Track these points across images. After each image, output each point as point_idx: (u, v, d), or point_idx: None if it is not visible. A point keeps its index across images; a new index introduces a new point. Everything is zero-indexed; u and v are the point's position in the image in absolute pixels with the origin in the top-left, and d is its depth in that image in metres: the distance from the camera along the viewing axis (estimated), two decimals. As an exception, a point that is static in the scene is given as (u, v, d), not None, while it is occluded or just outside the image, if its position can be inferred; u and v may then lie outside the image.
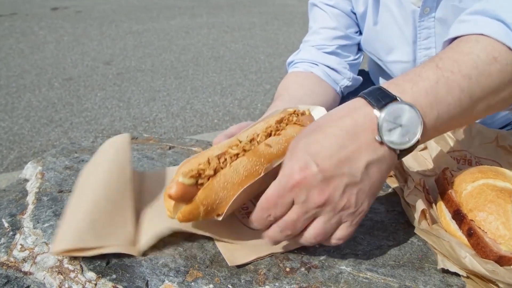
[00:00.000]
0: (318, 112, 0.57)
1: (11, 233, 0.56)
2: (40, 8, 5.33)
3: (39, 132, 2.08)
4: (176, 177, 0.41)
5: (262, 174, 0.43)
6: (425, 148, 0.62)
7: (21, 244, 0.51)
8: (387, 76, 0.88)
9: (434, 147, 0.60)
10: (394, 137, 0.38)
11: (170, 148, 0.77)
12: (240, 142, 0.44)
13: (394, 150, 0.38)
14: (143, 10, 5.30)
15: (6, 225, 0.57)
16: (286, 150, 0.42)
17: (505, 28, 0.40)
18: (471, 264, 0.39)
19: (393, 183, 0.58)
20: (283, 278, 0.42)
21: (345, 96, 0.85)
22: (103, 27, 4.34)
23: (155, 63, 3.20)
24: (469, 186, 0.47)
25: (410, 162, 0.59)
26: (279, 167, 0.41)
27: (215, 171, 0.41)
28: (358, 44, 0.86)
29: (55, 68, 3.03)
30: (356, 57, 0.86)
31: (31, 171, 0.69)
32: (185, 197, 0.40)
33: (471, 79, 0.40)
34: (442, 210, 0.49)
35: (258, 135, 0.46)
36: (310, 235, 0.39)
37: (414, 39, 0.73)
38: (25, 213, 0.58)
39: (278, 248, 0.45)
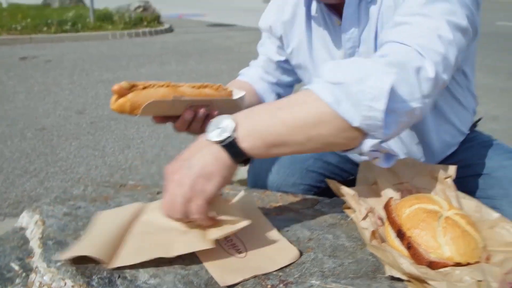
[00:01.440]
0: (239, 93, 0.83)
1: (24, 274, 0.64)
2: (8, 57, 5.37)
3: (14, 183, 2.10)
4: None
5: (172, 98, 0.70)
6: (375, 183, 0.75)
7: (39, 281, 0.59)
8: None
9: (383, 181, 0.74)
10: (212, 135, 0.58)
11: (158, 193, 0.88)
12: (169, 83, 0.73)
13: (215, 142, 0.58)
14: (112, 59, 5.44)
15: (16, 268, 0.66)
16: (197, 95, 0.74)
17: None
18: (408, 269, 0.52)
19: (351, 213, 0.71)
20: (266, 294, 0.52)
21: None
22: (74, 76, 4.43)
23: (127, 111, 3.29)
24: (407, 210, 0.60)
25: (366, 193, 0.73)
26: (186, 101, 0.73)
27: (144, 88, 0.70)
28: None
29: (27, 118, 3.07)
30: (291, 83, 1.09)
31: (27, 220, 0.77)
32: (121, 93, 0.68)
33: (284, 110, 0.60)
34: (388, 231, 0.62)
35: (184, 84, 0.75)
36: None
37: None
38: (33, 256, 0.66)
39: (259, 270, 0.56)
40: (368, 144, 0.59)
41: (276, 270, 0.56)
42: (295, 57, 0.98)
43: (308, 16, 0.92)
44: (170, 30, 8.34)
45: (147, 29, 7.80)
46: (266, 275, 0.56)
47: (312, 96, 0.58)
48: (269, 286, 0.53)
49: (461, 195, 0.71)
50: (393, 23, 0.68)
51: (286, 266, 0.57)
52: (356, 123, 0.56)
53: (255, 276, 0.55)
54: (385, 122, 0.55)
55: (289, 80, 1.07)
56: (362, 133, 0.58)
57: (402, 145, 0.93)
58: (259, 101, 1.03)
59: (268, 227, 0.67)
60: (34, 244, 0.69)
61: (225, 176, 0.58)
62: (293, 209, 0.78)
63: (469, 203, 0.70)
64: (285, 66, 1.04)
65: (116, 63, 5.16)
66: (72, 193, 0.87)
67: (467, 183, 0.87)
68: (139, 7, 8.73)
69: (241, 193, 0.74)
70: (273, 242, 0.63)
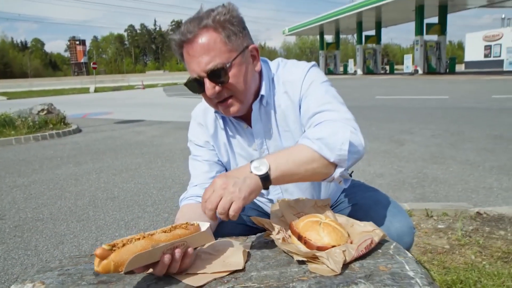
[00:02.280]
0: (204, 225, 0.97)
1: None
2: None
3: None
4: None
5: (150, 248, 0.80)
6: (282, 215, 1.19)
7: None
8: None
9: (287, 213, 1.18)
10: (256, 171, 0.96)
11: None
12: (144, 234, 0.85)
13: (258, 175, 0.96)
14: (22, 164, 5.38)
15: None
16: (171, 238, 0.85)
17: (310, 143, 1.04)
18: (306, 252, 0.94)
19: (269, 237, 1.12)
20: None
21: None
22: (-16, 185, 4.33)
23: (52, 211, 3.38)
24: (301, 223, 1.04)
25: (277, 222, 1.15)
26: (164, 247, 0.82)
27: (124, 245, 0.79)
28: None
29: None
30: None
31: None
32: (103, 255, 0.77)
33: (291, 155, 1.03)
34: (292, 238, 1.04)
35: (156, 232, 0.87)
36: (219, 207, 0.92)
37: None
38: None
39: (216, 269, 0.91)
40: (338, 171, 1.04)
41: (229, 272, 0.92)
42: (223, 156, 1.36)
43: (226, 127, 1.30)
44: (78, 130, 8.43)
45: (54, 131, 7.81)
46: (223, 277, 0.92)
47: (305, 147, 1.03)
48: (225, 281, 0.90)
49: (336, 214, 1.18)
50: (312, 113, 1.14)
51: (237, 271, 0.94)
52: (332, 159, 1.02)
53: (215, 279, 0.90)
54: (348, 157, 1.02)
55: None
56: (334, 166, 1.03)
57: (306, 191, 1.38)
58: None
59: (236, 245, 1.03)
60: None
61: (256, 195, 0.97)
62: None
63: (341, 218, 1.16)
64: (219, 163, 1.39)
65: (28, 167, 5.13)
66: (50, 266, 1.02)
67: (346, 210, 1.36)
68: (42, 110, 8.71)
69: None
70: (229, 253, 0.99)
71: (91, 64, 32.78)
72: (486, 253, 2.02)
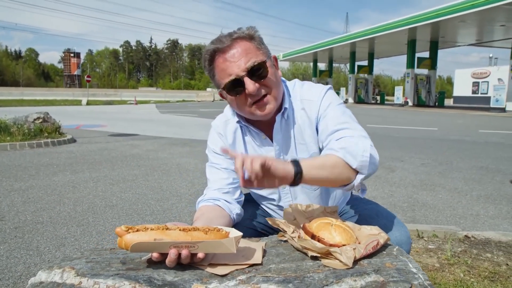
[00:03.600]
0: (234, 232, 1.00)
1: None
2: None
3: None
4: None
5: (153, 240, 0.90)
6: (295, 219, 1.30)
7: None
8: (264, 198, 1.55)
9: (299, 217, 1.29)
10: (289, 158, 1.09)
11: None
12: (160, 226, 0.94)
13: (289, 161, 1.07)
14: (19, 169, 5.40)
15: None
16: (183, 237, 0.91)
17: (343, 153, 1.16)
18: (321, 247, 1.05)
19: (282, 238, 1.23)
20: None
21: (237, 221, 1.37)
22: (-20, 187, 4.34)
23: (52, 215, 3.42)
24: (314, 224, 1.16)
25: (291, 223, 1.26)
26: (167, 243, 0.90)
27: (137, 230, 0.91)
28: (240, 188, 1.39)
29: None
30: (241, 196, 1.40)
31: (46, 276, 0.95)
32: (120, 234, 0.91)
33: (320, 160, 1.16)
34: (306, 237, 1.16)
35: (174, 228, 0.94)
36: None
37: None
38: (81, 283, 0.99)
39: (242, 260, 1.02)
40: (359, 178, 1.16)
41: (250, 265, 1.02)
42: None
43: (244, 137, 1.40)
44: (72, 140, 8.45)
45: (49, 140, 7.82)
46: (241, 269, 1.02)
47: (331, 155, 1.15)
48: (246, 271, 1.01)
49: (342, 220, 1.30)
50: (332, 130, 1.26)
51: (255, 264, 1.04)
52: (354, 165, 1.14)
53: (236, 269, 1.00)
54: (368, 165, 1.14)
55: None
56: (356, 172, 1.16)
57: (315, 200, 1.49)
58: (229, 217, 1.31)
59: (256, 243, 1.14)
60: (72, 279, 0.92)
61: (281, 170, 1.03)
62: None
63: (349, 223, 1.28)
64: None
65: (25, 173, 5.15)
66: (73, 256, 1.07)
67: (350, 220, 1.47)
68: (38, 118, 8.74)
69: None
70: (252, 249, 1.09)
71: (85, 77, 32.84)
72: (474, 273, 2.14)
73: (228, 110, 1.46)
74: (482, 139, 9.49)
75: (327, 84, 1.55)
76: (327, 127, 1.30)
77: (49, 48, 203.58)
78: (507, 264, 2.25)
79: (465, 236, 2.71)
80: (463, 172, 5.49)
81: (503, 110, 22.08)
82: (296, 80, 1.47)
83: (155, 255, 0.94)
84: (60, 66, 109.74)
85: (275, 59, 1.35)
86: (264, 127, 1.37)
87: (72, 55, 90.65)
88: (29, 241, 2.83)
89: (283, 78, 1.44)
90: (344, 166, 1.15)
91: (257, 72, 1.23)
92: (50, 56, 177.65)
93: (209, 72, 1.31)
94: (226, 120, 1.46)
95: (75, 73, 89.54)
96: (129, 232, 0.91)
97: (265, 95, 1.27)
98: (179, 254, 0.93)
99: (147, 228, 0.92)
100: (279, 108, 1.35)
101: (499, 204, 3.93)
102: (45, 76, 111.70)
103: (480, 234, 2.72)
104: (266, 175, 1.02)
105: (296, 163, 1.08)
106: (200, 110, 22.37)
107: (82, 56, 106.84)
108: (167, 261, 0.94)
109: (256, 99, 1.26)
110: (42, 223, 3.21)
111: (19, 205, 3.69)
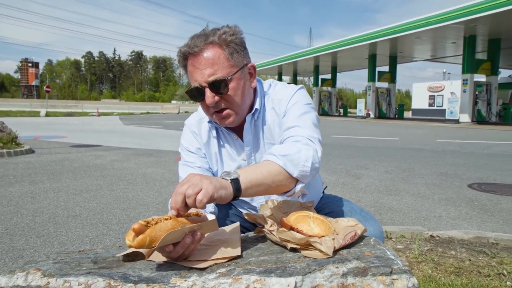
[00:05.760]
0: (211, 216, 1.09)
1: None
2: None
3: None
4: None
5: (179, 228, 0.88)
6: (272, 214, 1.29)
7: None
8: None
9: (276, 212, 1.28)
10: (226, 176, 1.00)
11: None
12: (169, 216, 0.91)
13: (229, 180, 0.99)
14: (-29, 181, 5.08)
15: None
16: (191, 222, 0.92)
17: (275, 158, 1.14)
18: (300, 238, 1.04)
19: (260, 233, 1.22)
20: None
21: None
22: None
23: (8, 226, 3.22)
24: (292, 217, 1.15)
25: (268, 218, 1.25)
26: (189, 228, 0.90)
27: (156, 222, 0.86)
28: None
29: None
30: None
31: (6, 280, 0.89)
32: (140, 230, 0.83)
33: (259, 169, 1.11)
34: (284, 229, 1.15)
35: (172, 216, 0.91)
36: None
37: None
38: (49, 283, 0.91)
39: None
40: (298, 186, 1.15)
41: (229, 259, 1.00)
42: (213, 165, 1.45)
43: (217, 137, 1.40)
44: (30, 151, 8.07)
45: (4, 150, 7.43)
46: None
47: (271, 162, 1.12)
48: (226, 265, 0.98)
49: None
50: (287, 127, 1.26)
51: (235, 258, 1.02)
52: (295, 175, 1.13)
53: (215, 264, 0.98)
54: (309, 174, 1.12)
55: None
56: (296, 181, 1.14)
57: (288, 199, 1.49)
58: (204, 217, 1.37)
59: (235, 236, 1.11)
60: (38, 281, 0.87)
61: (223, 196, 0.97)
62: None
63: (326, 217, 1.29)
64: (210, 171, 1.48)
65: (-22, 184, 4.85)
66: (37, 260, 1.00)
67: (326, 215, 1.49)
68: (-7, 129, 8.31)
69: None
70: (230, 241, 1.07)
71: (44, 87, 31.60)
72: (441, 269, 2.21)
73: (201, 108, 1.45)
74: (440, 148, 9.92)
75: None
76: (285, 123, 1.30)
77: (4, 57, 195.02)
78: (470, 260, 2.34)
79: (431, 235, 2.80)
80: (425, 178, 5.70)
81: (457, 121, 23.26)
82: (271, 80, 1.47)
83: (171, 246, 0.91)
84: (17, 76, 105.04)
85: (254, 67, 1.34)
86: (235, 128, 1.37)
87: (30, 64, 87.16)
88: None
89: (259, 79, 1.44)
90: (285, 175, 1.13)
91: (218, 87, 1.21)
92: (5, 66, 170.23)
93: (183, 68, 1.30)
94: (200, 118, 1.45)
95: (33, 83, 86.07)
96: (149, 227, 0.85)
97: (225, 108, 1.26)
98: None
99: (160, 220, 0.88)
100: (250, 109, 1.35)
101: (459, 206, 4.10)
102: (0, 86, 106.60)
103: (444, 233, 2.82)
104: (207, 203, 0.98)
105: (236, 183, 1.03)
106: (165, 122, 22.05)
107: (41, 66, 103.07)
108: (177, 249, 0.92)
109: (215, 110, 1.26)
110: (12, 235, 3.01)
111: (-27, 217, 3.45)
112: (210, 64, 1.20)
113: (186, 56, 1.24)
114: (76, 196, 4.31)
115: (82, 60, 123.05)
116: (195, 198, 0.91)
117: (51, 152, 8.15)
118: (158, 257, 0.99)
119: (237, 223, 1.21)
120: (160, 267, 0.95)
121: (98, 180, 5.30)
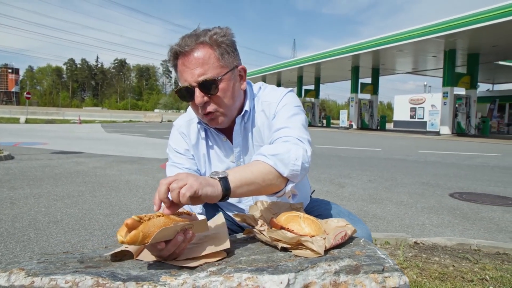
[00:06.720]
0: (201, 216, 1.04)
1: None
2: None
3: None
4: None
5: (172, 225, 0.87)
6: (261, 215, 1.29)
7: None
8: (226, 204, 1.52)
9: (266, 213, 1.28)
10: (215, 175, 0.98)
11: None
12: (161, 213, 0.90)
13: (217, 178, 0.98)
14: None
15: None
16: (180, 221, 0.90)
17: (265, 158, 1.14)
18: (292, 237, 1.04)
19: (249, 234, 1.21)
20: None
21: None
22: None
23: (-14, 232, 3.12)
24: (283, 217, 1.15)
25: (258, 218, 1.24)
26: (181, 226, 0.89)
27: (149, 219, 0.85)
28: None
29: None
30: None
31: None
32: (133, 226, 0.82)
33: (249, 168, 1.11)
34: (276, 229, 1.14)
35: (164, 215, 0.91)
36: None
37: None
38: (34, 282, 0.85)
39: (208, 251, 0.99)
40: (289, 186, 1.15)
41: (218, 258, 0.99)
42: (202, 166, 1.45)
43: (206, 138, 1.40)
44: (10, 157, 7.86)
45: (-18, 157, 7.22)
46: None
47: (261, 162, 1.12)
48: (216, 264, 0.97)
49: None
50: (276, 128, 1.26)
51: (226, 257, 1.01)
52: (285, 174, 1.12)
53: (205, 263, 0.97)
54: (299, 173, 1.12)
55: None
56: (286, 180, 1.14)
57: (281, 199, 1.49)
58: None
59: (223, 232, 1.09)
60: (22, 281, 0.85)
61: (209, 194, 0.94)
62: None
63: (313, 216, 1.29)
64: (198, 172, 1.48)
65: (-47, 190, 4.68)
66: (20, 261, 0.98)
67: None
68: (-30, 134, 8.08)
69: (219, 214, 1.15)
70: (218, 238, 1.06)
71: (25, 94, 30.97)
72: (426, 274, 2.23)
73: (191, 109, 1.44)
74: (422, 158, 10.09)
75: None
76: (275, 125, 1.31)
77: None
78: (454, 266, 2.37)
79: (415, 242, 2.83)
80: (407, 187, 5.78)
81: (437, 133, 23.76)
82: (261, 82, 1.48)
83: (162, 244, 0.90)
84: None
85: (244, 70, 1.34)
86: (224, 129, 1.37)
87: (10, 70, 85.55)
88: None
89: (249, 81, 1.44)
90: (275, 174, 1.12)
91: (207, 88, 1.21)
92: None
93: (173, 68, 1.29)
94: (190, 119, 1.44)
95: (13, 90, 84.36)
96: (142, 222, 0.83)
97: (215, 110, 1.26)
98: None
99: (153, 216, 0.87)
100: (240, 111, 1.34)
101: (441, 215, 4.17)
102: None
103: (428, 240, 2.85)
104: (194, 201, 0.95)
105: (225, 182, 1.01)
106: (148, 130, 21.85)
107: (22, 72, 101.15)
108: (169, 247, 0.91)
109: (204, 111, 1.26)
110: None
111: None
112: (201, 64, 1.20)
113: (177, 55, 1.23)
114: (57, 202, 4.21)
115: (64, 67, 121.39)
116: (179, 192, 0.89)
117: (31, 159, 7.96)
118: (147, 257, 0.97)
119: (220, 213, 1.19)
120: (150, 266, 0.93)
121: (80, 186, 5.19)
